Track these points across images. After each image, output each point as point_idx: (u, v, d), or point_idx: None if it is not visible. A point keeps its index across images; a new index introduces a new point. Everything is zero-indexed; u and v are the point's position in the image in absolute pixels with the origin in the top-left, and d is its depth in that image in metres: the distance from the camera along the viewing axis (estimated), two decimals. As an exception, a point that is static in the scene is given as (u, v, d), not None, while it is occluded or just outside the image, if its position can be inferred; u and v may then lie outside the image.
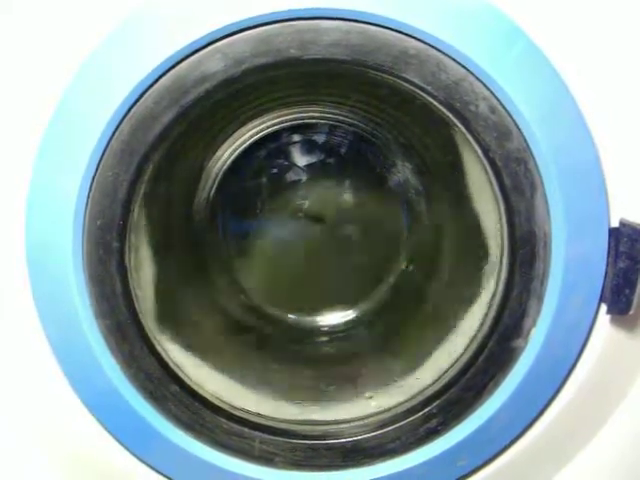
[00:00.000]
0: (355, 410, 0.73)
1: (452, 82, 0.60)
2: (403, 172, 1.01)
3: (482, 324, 0.68)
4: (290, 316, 1.02)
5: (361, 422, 0.70)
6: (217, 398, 0.69)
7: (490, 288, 0.68)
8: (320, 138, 1.02)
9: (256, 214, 1.03)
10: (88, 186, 0.60)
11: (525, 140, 0.60)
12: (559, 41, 0.60)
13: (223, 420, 0.67)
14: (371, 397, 0.76)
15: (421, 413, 0.67)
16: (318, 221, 1.03)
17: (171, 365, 0.67)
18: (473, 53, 0.59)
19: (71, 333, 0.62)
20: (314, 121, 1.01)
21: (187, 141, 0.78)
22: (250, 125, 0.97)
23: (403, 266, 1.03)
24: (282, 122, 0.99)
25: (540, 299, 0.63)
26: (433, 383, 0.70)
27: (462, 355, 0.69)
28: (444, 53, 0.59)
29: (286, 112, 0.97)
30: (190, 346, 0.74)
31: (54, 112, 0.60)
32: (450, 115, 0.61)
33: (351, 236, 1.04)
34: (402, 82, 0.61)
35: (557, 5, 0.61)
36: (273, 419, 0.70)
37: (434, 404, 0.67)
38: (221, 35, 0.58)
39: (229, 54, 0.59)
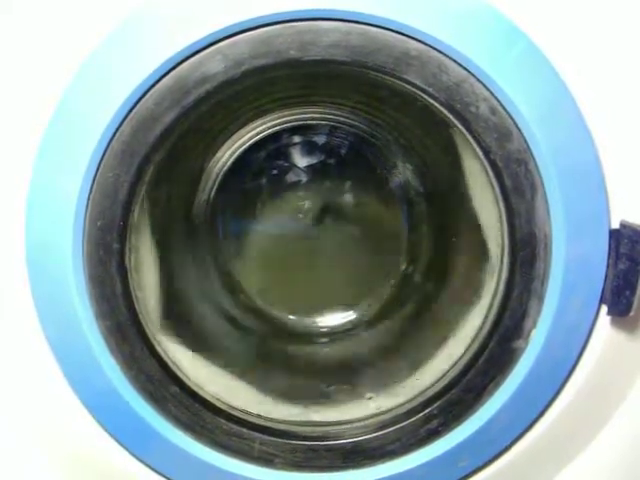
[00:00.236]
0: (355, 411, 0.73)
1: (453, 83, 0.60)
2: (403, 173, 1.01)
3: (482, 325, 0.68)
4: (290, 317, 1.02)
5: (361, 423, 0.70)
6: (217, 399, 0.69)
7: (490, 289, 0.68)
8: (320, 139, 1.02)
9: (256, 215, 1.03)
10: (88, 187, 0.60)
11: (525, 141, 0.60)
12: (559, 41, 0.60)
13: (223, 421, 0.67)
14: (371, 398, 0.76)
15: (422, 414, 0.67)
16: (318, 222, 1.03)
17: (171, 366, 0.67)
18: (473, 54, 0.59)
19: (71, 334, 0.62)
20: (314, 122, 1.01)
21: (187, 142, 0.78)
22: (250, 126, 0.97)
23: (403, 267, 1.03)
24: (282, 123, 0.99)
25: (541, 300, 0.63)
26: (433, 384, 0.70)
27: (462, 356, 0.69)
28: (445, 54, 0.59)
29: (286, 113, 0.97)
30: (190, 347, 0.74)
31: (54, 112, 0.60)
32: (451, 116, 0.61)
33: (351, 237, 1.04)
34: (403, 83, 0.61)
35: (557, 5, 0.61)
36: (273, 420, 0.70)
37: (435, 405, 0.66)
38: (222, 36, 0.58)
39: (229, 55, 0.59)
